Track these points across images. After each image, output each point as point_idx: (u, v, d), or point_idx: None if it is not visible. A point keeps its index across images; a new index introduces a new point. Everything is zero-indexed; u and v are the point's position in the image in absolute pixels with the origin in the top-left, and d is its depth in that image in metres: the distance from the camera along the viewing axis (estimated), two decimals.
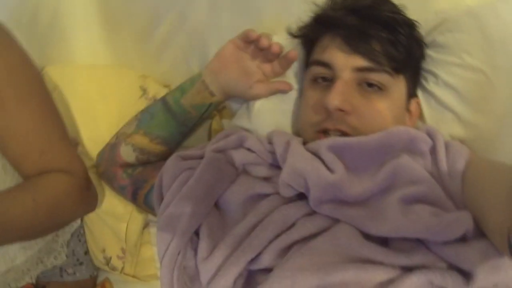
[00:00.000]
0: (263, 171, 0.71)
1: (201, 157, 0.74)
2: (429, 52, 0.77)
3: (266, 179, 0.71)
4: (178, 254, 0.67)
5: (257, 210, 0.65)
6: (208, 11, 0.87)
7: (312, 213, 0.63)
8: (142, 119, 0.85)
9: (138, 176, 0.84)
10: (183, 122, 0.85)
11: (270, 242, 0.61)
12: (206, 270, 0.62)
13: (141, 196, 0.83)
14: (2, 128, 0.68)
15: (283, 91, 0.81)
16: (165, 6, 0.88)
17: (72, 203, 0.74)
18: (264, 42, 0.75)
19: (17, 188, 0.70)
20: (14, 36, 0.70)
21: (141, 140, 0.84)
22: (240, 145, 0.75)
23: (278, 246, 0.60)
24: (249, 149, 0.73)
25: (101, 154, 0.89)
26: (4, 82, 0.66)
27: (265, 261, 0.60)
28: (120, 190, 0.86)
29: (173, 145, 0.87)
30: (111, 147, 0.86)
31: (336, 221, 0.61)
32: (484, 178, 0.59)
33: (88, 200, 0.80)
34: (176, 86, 0.85)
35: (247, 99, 0.84)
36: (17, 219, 0.64)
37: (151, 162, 0.87)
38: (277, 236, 0.61)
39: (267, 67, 0.81)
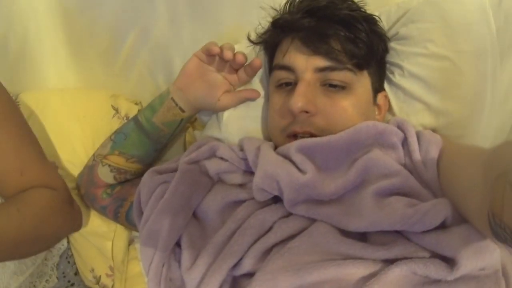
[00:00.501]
0: (237, 178, 0.72)
1: (175, 170, 0.74)
2: (393, 45, 0.78)
3: (241, 185, 0.71)
4: (162, 266, 0.68)
5: (234, 217, 0.65)
6: (169, 26, 0.87)
7: (288, 215, 0.64)
8: (116, 140, 0.84)
9: (118, 195, 0.85)
10: (157, 140, 0.84)
11: (250, 246, 0.61)
12: (191, 280, 0.62)
13: (122, 214, 0.83)
14: None
15: (251, 99, 0.82)
16: (126, 24, 0.89)
17: (57, 216, 0.74)
18: (227, 55, 0.74)
19: (2, 203, 0.71)
20: None
21: (117, 161, 0.84)
22: (212, 154, 0.75)
23: (258, 250, 0.61)
24: (221, 158, 0.74)
25: (80, 176, 0.89)
26: None
27: (247, 266, 0.61)
28: (101, 211, 0.87)
29: (149, 162, 0.88)
30: (89, 169, 0.86)
31: (312, 221, 0.62)
32: (458, 162, 0.60)
33: (73, 215, 0.80)
34: (147, 104, 0.85)
35: (216, 111, 0.84)
36: (2, 230, 0.64)
37: (129, 180, 0.87)
38: (256, 240, 0.62)
39: (233, 77, 0.81)
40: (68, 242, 0.93)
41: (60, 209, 0.75)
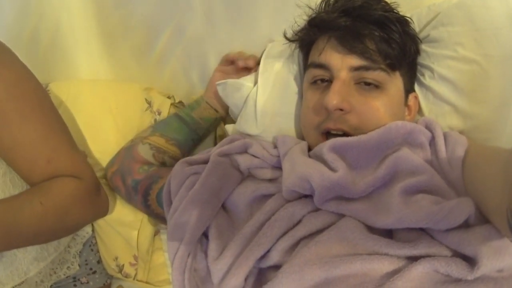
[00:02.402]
0: (267, 173, 0.73)
1: (206, 162, 0.76)
2: (424, 47, 0.78)
3: (271, 180, 0.72)
4: (188, 256, 0.69)
5: (263, 209, 0.66)
6: (205, 23, 0.89)
7: (317, 209, 0.65)
8: (157, 126, 0.93)
9: (153, 173, 0.86)
10: (195, 130, 0.94)
11: (278, 239, 0.62)
12: (217, 270, 0.63)
13: (154, 191, 0.84)
14: (7, 140, 0.69)
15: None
16: (162, 20, 0.90)
17: (80, 206, 0.75)
18: (240, 64, 0.89)
19: (25, 192, 0.71)
20: (12, 52, 0.72)
21: (158, 140, 0.90)
22: (244, 150, 0.77)
23: (286, 243, 0.61)
24: (253, 155, 0.75)
25: (114, 156, 0.92)
26: (3, 97, 0.68)
27: (274, 258, 0.61)
28: (132, 185, 0.86)
29: (186, 149, 0.94)
30: (127, 149, 0.90)
31: (341, 216, 0.63)
32: (482, 163, 0.61)
33: (98, 204, 0.81)
34: (184, 107, 0.97)
35: None
36: (25, 222, 0.65)
37: (166, 164, 0.90)
38: (284, 233, 0.63)
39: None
40: (93, 230, 0.94)
41: (84, 199, 0.76)
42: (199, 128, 0.94)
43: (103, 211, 0.84)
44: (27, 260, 0.77)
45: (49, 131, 0.73)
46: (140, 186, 0.85)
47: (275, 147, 0.76)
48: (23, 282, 0.77)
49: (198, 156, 0.80)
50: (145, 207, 0.86)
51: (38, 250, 0.79)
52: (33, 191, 0.71)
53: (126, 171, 0.87)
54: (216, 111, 0.95)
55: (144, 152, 0.88)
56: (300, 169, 0.65)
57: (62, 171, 0.73)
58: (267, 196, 0.69)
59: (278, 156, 0.73)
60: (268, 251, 0.62)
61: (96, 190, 0.80)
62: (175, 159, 0.87)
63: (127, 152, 0.89)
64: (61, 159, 0.74)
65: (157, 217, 0.86)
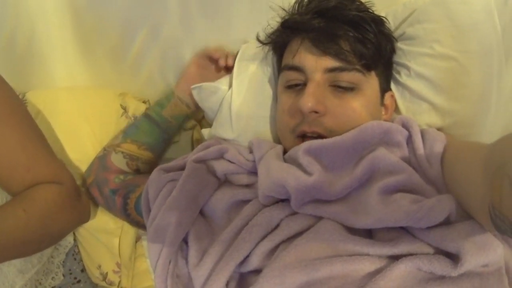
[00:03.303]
0: (243, 179, 0.73)
1: (182, 168, 0.75)
2: (399, 45, 0.78)
3: (248, 186, 0.72)
4: (169, 263, 0.68)
5: (241, 215, 0.66)
6: (180, 24, 0.87)
7: (295, 212, 0.64)
8: (128, 131, 0.90)
9: (130, 182, 0.85)
10: (165, 130, 0.91)
11: (257, 244, 0.62)
12: (198, 277, 0.63)
13: (132, 200, 0.83)
14: None
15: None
16: (137, 22, 0.89)
17: (63, 211, 0.74)
18: (221, 62, 0.87)
19: (6, 203, 0.70)
20: None
21: (130, 148, 0.88)
22: (220, 156, 0.76)
23: (265, 247, 0.61)
24: (229, 161, 0.75)
25: (89, 167, 0.90)
26: None
27: (254, 262, 0.61)
28: (110, 195, 0.85)
29: (158, 151, 0.93)
30: (100, 158, 0.88)
31: (319, 218, 0.63)
32: (462, 158, 0.60)
33: (80, 209, 0.80)
34: (154, 103, 0.94)
35: None
36: (9, 231, 0.64)
37: (140, 171, 0.89)
38: (263, 237, 0.62)
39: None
40: (75, 240, 0.93)
41: (66, 204, 0.75)
42: (169, 127, 0.92)
43: (86, 216, 0.84)
44: (12, 273, 0.77)
45: (25, 139, 0.72)
46: (118, 196, 0.85)
47: (251, 151, 0.76)
48: None
49: (174, 162, 0.79)
50: (125, 215, 0.86)
51: (22, 262, 0.79)
52: (15, 200, 0.70)
53: (102, 182, 0.86)
54: (188, 107, 0.92)
55: (118, 161, 0.87)
56: (275, 174, 0.64)
57: (42, 178, 0.73)
58: (245, 202, 0.69)
59: (254, 161, 0.73)
60: (248, 255, 0.62)
61: (77, 195, 0.79)
62: (149, 164, 0.90)
63: (100, 162, 0.88)
64: (40, 166, 0.73)
65: (138, 225, 0.86)
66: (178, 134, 0.97)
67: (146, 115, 0.91)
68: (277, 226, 0.64)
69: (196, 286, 0.63)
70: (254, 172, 0.72)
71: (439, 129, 0.72)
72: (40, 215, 0.69)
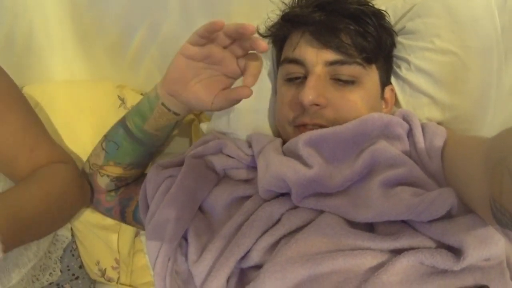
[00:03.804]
0: (243, 174, 0.73)
1: (181, 164, 0.75)
2: (400, 39, 0.78)
3: (247, 181, 0.72)
4: (169, 260, 0.68)
5: (241, 210, 0.66)
6: (180, 20, 0.87)
7: (295, 207, 0.64)
8: (109, 151, 0.78)
9: (122, 196, 0.84)
10: (151, 145, 0.79)
11: (258, 239, 0.62)
12: (198, 273, 0.63)
13: (129, 214, 0.83)
14: None
15: (244, 97, 0.62)
16: (137, 18, 0.88)
17: (72, 188, 0.76)
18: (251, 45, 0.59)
19: (19, 183, 0.71)
20: None
21: (114, 170, 0.80)
22: (219, 151, 0.76)
23: (266, 242, 0.61)
24: (228, 155, 0.75)
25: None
26: None
27: (255, 258, 0.61)
28: (107, 213, 0.86)
29: (147, 164, 0.85)
30: (89, 177, 0.84)
31: (320, 212, 0.62)
32: (462, 152, 0.61)
33: (85, 188, 0.82)
34: (134, 107, 0.77)
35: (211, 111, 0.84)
36: (29, 207, 0.65)
37: (130, 184, 0.86)
38: (264, 233, 0.62)
39: (232, 67, 0.63)
40: (73, 236, 0.93)
41: (74, 181, 0.77)
42: (155, 141, 0.78)
43: (88, 197, 0.85)
44: (8, 268, 0.76)
45: (27, 123, 0.74)
46: (114, 212, 0.85)
47: (250, 146, 0.75)
48: None
49: (172, 159, 0.79)
50: (124, 223, 0.88)
51: (18, 257, 0.78)
52: (28, 179, 0.71)
53: (96, 203, 0.85)
54: (176, 114, 0.72)
55: (105, 184, 0.82)
56: (275, 168, 0.64)
57: (46, 159, 0.74)
58: (245, 198, 0.69)
59: (253, 156, 0.72)
60: (249, 251, 0.62)
61: (80, 174, 0.81)
62: (138, 178, 0.85)
63: (90, 181, 0.84)
64: (43, 148, 0.75)
65: (139, 228, 0.88)
66: (177, 128, 0.89)
67: (125, 129, 0.76)
68: (278, 220, 0.63)
69: (197, 283, 0.63)
70: (253, 167, 0.72)
71: (439, 123, 0.72)
72: (53, 191, 0.71)
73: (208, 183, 0.72)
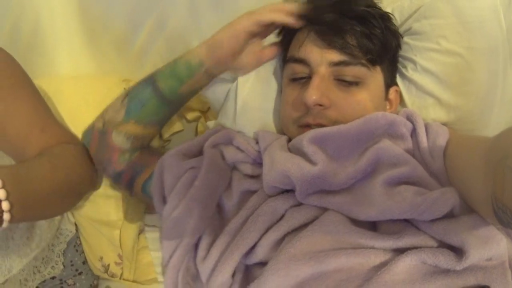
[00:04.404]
0: (249, 168, 0.73)
1: (199, 153, 0.75)
2: (406, 39, 0.78)
3: (253, 177, 0.72)
4: (186, 255, 0.68)
5: (247, 205, 0.67)
6: (187, 14, 0.87)
7: (299, 203, 0.65)
8: (132, 108, 0.77)
9: (136, 162, 0.80)
10: (179, 106, 0.82)
11: (262, 235, 0.62)
12: (204, 269, 0.63)
13: (138, 184, 0.80)
14: (1, 114, 0.72)
15: (271, 59, 0.79)
16: (144, 12, 0.88)
17: (82, 167, 0.77)
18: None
19: (30, 158, 0.73)
20: None
21: (134, 129, 0.78)
22: (229, 141, 0.76)
23: (271, 239, 0.61)
24: (238, 148, 0.75)
25: (86, 135, 0.82)
26: None
27: (260, 254, 0.61)
28: (115, 177, 0.81)
29: (164, 124, 0.85)
30: (100, 134, 0.79)
31: (324, 210, 0.63)
32: (464, 152, 0.61)
33: (93, 169, 0.82)
34: (169, 69, 0.77)
35: (236, 73, 0.83)
36: (39, 180, 0.65)
37: (145, 147, 0.83)
38: (268, 228, 0.63)
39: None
40: (77, 230, 0.93)
41: (84, 161, 0.79)
42: (184, 102, 0.81)
43: (97, 181, 0.86)
44: (10, 257, 0.77)
45: (38, 105, 0.77)
46: (123, 178, 0.80)
47: (257, 142, 0.75)
48: (6, 280, 0.76)
49: (189, 145, 0.78)
50: (130, 193, 0.84)
51: (20, 246, 0.79)
52: (39, 154, 0.72)
53: (105, 162, 0.80)
54: (213, 77, 0.79)
55: (120, 141, 0.77)
56: (280, 164, 0.65)
57: (56, 139, 0.76)
58: (250, 192, 0.69)
59: (260, 152, 0.73)
60: (254, 247, 0.62)
61: (90, 156, 0.82)
62: (152, 138, 0.84)
63: (101, 139, 0.79)
64: (53, 128, 0.77)
65: (143, 202, 0.85)
66: (182, 125, 0.93)
67: (155, 90, 0.76)
68: (282, 217, 0.64)
69: (203, 279, 0.64)
70: (259, 163, 0.72)
71: (444, 124, 0.73)
72: (64, 166, 0.72)
73: (226, 178, 0.72)
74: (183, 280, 0.67)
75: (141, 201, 0.86)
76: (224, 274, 0.61)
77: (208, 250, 0.65)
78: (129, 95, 0.78)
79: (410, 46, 0.78)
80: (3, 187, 0.57)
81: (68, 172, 0.72)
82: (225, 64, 0.75)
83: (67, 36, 0.93)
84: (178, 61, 0.76)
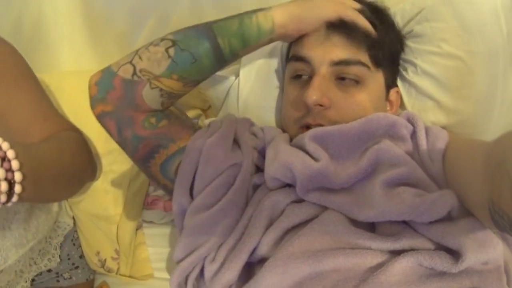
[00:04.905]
0: (259, 159, 0.72)
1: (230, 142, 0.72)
2: (407, 42, 0.79)
3: (260, 169, 0.72)
4: (202, 260, 0.66)
5: (252, 201, 0.67)
6: (190, 11, 0.87)
7: (300, 200, 0.65)
8: (180, 62, 0.68)
9: (163, 132, 0.72)
10: (223, 68, 0.76)
11: (266, 229, 0.62)
12: (211, 267, 0.63)
13: (159, 159, 0.72)
14: (5, 103, 0.72)
15: None
16: (147, 9, 0.88)
17: (85, 153, 0.78)
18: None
19: (39, 141, 0.73)
20: None
21: (173, 85, 0.69)
22: (248, 128, 0.76)
23: (271, 237, 0.61)
24: (254, 134, 0.75)
25: (103, 84, 0.70)
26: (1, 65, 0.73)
27: (262, 251, 0.61)
28: (133, 141, 0.71)
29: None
30: (126, 84, 0.69)
31: (324, 208, 0.63)
32: (463, 156, 0.61)
33: (94, 159, 0.83)
34: (234, 25, 0.70)
35: None
36: (47, 161, 0.65)
37: (172, 112, 0.76)
38: (270, 223, 0.63)
39: None
40: (75, 224, 0.93)
41: (86, 148, 0.80)
42: (233, 62, 0.75)
43: (96, 171, 0.86)
44: (6, 247, 0.77)
45: (41, 96, 0.78)
46: (143, 146, 0.71)
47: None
48: (2, 270, 0.76)
49: (220, 134, 0.72)
50: (142, 166, 0.75)
51: (16, 237, 0.79)
52: (46, 139, 0.73)
53: (124, 121, 0.70)
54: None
55: (151, 99, 0.69)
56: (283, 156, 0.65)
57: (58, 129, 0.76)
58: (256, 186, 0.70)
59: (264, 143, 0.73)
60: (258, 244, 0.62)
61: (89, 147, 0.83)
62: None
63: (127, 91, 0.68)
64: (55, 117, 0.78)
65: (152, 179, 0.77)
66: None
67: (215, 47, 0.68)
68: (283, 211, 0.64)
69: (207, 277, 0.63)
70: (262, 155, 0.72)
71: (443, 127, 0.73)
72: (70, 152, 0.73)
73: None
74: (190, 282, 0.66)
75: (153, 180, 0.78)
76: (232, 272, 0.61)
77: (217, 251, 0.65)
78: (178, 45, 0.69)
79: (411, 49, 0.78)
80: (16, 157, 0.56)
81: (73, 158, 0.73)
82: (289, 39, 0.74)
83: (70, 32, 0.93)
84: (247, 21, 0.70)
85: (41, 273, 0.89)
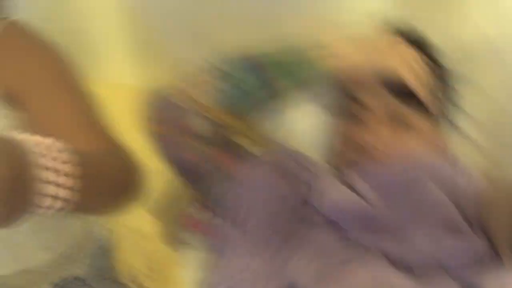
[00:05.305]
0: None
1: None
2: (452, 83, 0.79)
3: None
4: None
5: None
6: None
7: (345, 236, 0.65)
8: (230, 95, 0.68)
9: (211, 159, 0.71)
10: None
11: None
12: None
13: (207, 181, 0.72)
14: (47, 110, 0.70)
15: None
16: (202, 35, 0.89)
17: (134, 170, 0.72)
18: None
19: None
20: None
21: (220, 116, 0.69)
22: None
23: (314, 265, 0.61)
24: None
25: (158, 107, 0.72)
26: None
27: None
28: (180, 162, 0.72)
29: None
30: (176, 109, 0.70)
31: (366, 248, 0.63)
32: (498, 200, 0.62)
33: (141, 179, 0.75)
34: (289, 67, 0.68)
35: None
36: (98, 174, 0.62)
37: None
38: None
39: None
40: (109, 236, 0.93)
41: (134, 164, 0.72)
42: None
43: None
44: (36, 247, 0.77)
45: (87, 106, 0.74)
46: (191, 168, 0.72)
47: None
48: (28, 270, 0.77)
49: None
50: (187, 187, 0.77)
51: (48, 238, 0.79)
52: (96, 151, 0.70)
53: (174, 144, 0.71)
54: None
55: (199, 126, 0.68)
56: (334, 195, 0.65)
57: (104, 143, 0.72)
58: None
59: None
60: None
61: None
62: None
63: (175, 117, 0.70)
64: (102, 131, 0.73)
65: (197, 201, 0.78)
66: None
67: (264, 82, 0.67)
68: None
69: None
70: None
71: (481, 171, 0.73)
72: (119, 169, 0.68)
73: None
74: None
75: (197, 202, 0.78)
76: None
77: None
78: (228, 79, 0.68)
79: (455, 91, 0.78)
80: (70, 162, 0.52)
81: (122, 175, 0.69)
82: None
83: (118, 45, 0.95)
84: (303, 63, 0.69)
85: (67, 279, 0.88)
